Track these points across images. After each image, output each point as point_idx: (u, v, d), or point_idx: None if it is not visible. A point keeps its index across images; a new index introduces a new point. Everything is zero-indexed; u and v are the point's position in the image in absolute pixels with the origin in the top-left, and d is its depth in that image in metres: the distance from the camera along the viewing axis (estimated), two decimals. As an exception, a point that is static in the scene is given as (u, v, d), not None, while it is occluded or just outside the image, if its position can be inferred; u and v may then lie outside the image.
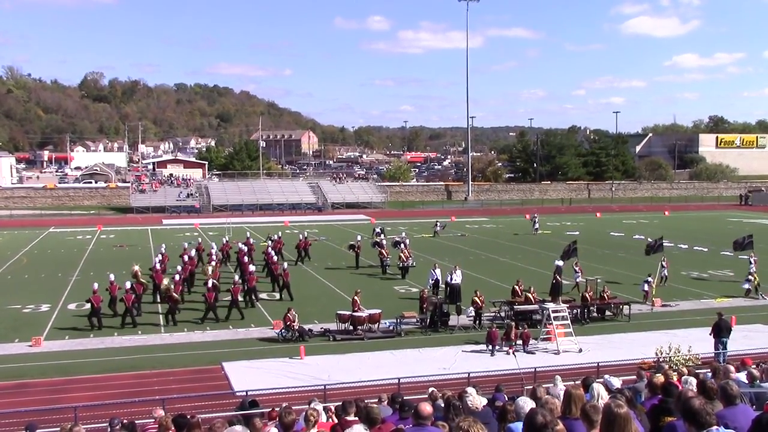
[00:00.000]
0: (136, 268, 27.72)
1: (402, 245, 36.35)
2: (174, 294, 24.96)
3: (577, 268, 30.55)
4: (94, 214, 69.71)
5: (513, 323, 22.29)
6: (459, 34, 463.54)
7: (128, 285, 25.06)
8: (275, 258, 33.01)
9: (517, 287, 25.95)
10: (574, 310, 24.56)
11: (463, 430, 4.94)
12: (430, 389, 11.95)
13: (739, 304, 28.08)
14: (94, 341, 22.64)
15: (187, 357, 20.86)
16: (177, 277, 27.45)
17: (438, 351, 21.30)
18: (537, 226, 53.18)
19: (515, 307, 24.70)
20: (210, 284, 25.86)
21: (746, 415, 5.85)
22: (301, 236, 39.60)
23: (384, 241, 38.49)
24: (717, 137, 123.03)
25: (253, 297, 27.54)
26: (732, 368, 10.31)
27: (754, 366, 11.91)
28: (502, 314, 24.91)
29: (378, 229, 43.35)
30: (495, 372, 17.59)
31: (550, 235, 50.71)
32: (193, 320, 25.17)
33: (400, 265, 33.70)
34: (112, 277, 26.31)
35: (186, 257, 32.20)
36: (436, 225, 52.00)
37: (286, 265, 30.81)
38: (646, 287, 28.18)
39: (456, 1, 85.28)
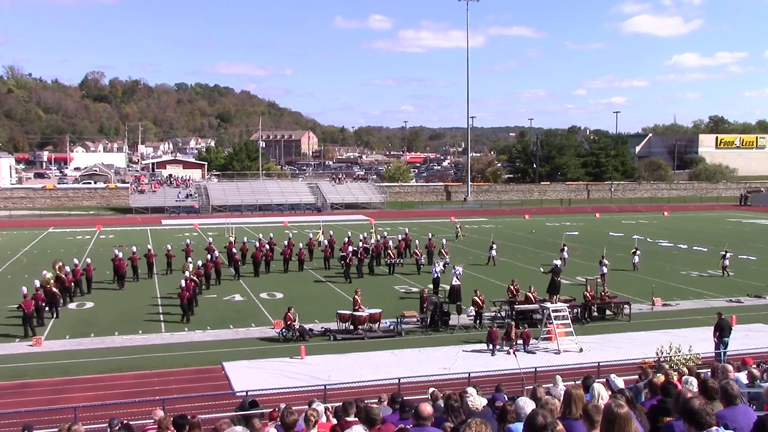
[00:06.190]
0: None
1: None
2: (54, 288, 24.68)
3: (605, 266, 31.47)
4: (94, 215, 69.67)
5: (513, 323, 22.32)
6: (460, 33, 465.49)
7: None
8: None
9: (512, 287, 26.00)
10: (575, 310, 24.58)
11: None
12: (431, 389, 11.94)
13: (739, 304, 28.14)
14: (95, 341, 22.64)
15: (187, 357, 20.86)
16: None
17: (438, 351, 21.33)
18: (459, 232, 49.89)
19: (516, 306, 24.72)
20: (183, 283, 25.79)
21: (746, 415, 5.84)
22: (379, 237, 40.17)
23: (391, 242, 38.95)
24: (717, 137, 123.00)
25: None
26: (730, 368, 10.29)
27: (755, 366, 11.90)
28: (503, 314, 24.93)
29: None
30: (495, 372, 17.59)
31: (549, 236, 50.67)
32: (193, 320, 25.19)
33: (388, 261, 35.38)
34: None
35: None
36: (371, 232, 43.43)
37: (200, 262, 30.79)
38: None
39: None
